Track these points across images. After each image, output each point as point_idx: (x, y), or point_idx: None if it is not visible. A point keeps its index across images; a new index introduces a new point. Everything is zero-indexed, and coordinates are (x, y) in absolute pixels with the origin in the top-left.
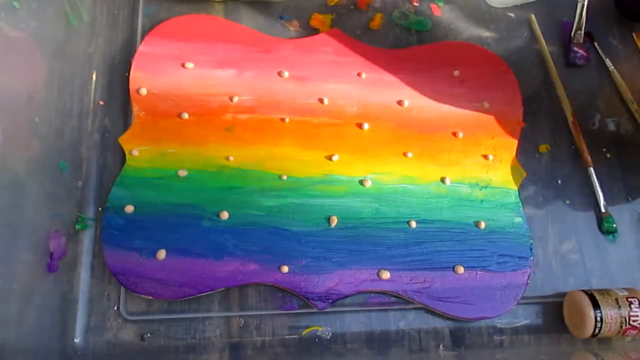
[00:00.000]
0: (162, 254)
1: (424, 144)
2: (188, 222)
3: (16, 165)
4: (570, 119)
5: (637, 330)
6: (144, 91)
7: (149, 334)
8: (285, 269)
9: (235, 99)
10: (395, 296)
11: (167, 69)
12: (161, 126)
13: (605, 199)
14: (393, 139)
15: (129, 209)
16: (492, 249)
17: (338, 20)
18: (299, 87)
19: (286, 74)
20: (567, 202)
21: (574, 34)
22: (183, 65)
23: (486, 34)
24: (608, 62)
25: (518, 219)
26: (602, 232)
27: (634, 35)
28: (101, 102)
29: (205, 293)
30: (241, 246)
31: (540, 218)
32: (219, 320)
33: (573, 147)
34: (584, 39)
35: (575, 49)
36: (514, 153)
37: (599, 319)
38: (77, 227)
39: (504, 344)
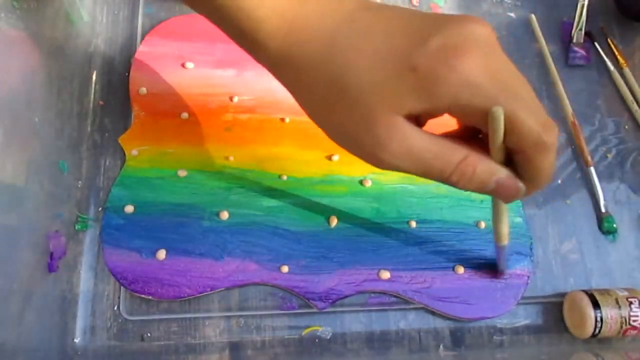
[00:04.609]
0: (162, 254)
1: None
2: (188, 222)
3: (16, 165)
4: (570, 119)
5: (637, 331)
6: (144, 91)
7: (149, 334)
8: (285, 269)
9: (236, 99)
10: (395, 296)
11: (167, 69)
12: (161, 126)
13: (605, 199)
14: None
15: (129, 209)
16: (492, 249)
17: None
18: None
19: None
20: (567, 202)
21: (574, 34)
22: (183, 65)
23: None
24: (608, 62)
25: (518, 219)
26: (602, 232)
27: None
28: (101, 102)
29: (205, 293)
30: (241, 246)
31: (540, 218)
32: (219, 320)
33: (573, 147)
34: (584, 39)
35: (575, 49)
36: None
37: (599, 319)
38: (77, 227)
39: (504, 344)
